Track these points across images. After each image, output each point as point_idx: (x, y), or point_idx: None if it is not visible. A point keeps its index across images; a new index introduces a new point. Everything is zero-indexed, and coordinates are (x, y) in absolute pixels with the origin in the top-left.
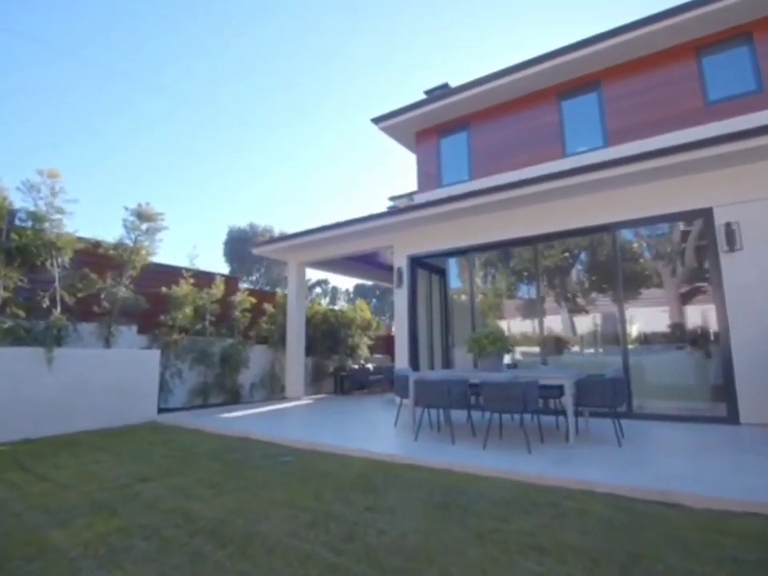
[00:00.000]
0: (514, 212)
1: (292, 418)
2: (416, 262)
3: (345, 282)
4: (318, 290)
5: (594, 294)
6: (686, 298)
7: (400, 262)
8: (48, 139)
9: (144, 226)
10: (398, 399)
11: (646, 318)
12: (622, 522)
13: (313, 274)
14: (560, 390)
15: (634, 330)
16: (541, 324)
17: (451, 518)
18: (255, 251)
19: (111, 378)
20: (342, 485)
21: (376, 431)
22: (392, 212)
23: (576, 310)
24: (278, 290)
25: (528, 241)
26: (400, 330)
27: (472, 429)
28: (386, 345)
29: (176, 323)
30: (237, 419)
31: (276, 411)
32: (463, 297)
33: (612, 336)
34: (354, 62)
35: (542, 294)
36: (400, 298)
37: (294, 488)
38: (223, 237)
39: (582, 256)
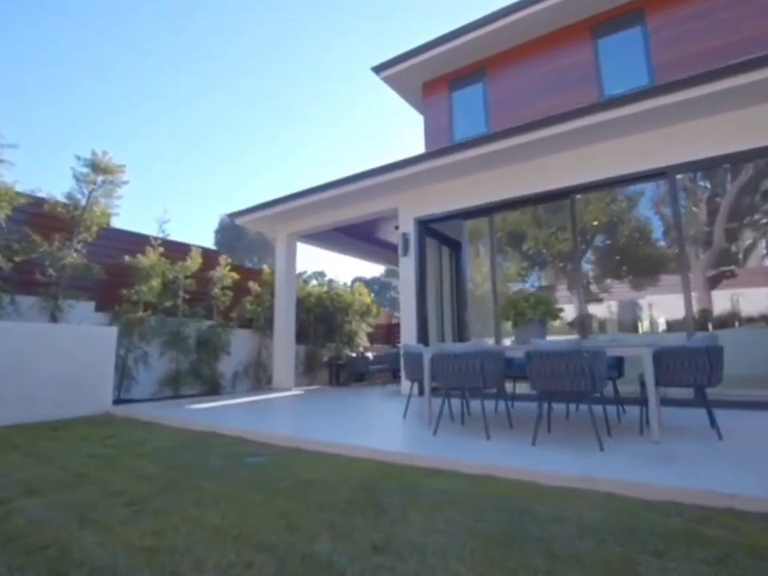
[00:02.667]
0: (544, 160)
1: (276, 409)
2: (424, 226)
3: (342, 276)
4: (314, 282)
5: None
6: None
7: (406, 226)
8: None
9: (99, 179)
10: (404, 389)
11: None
12: None
13: (308, 264)
14: (618, 368)
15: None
16: (580, 298)
17: (528, 567)
18: (238, 221)
19: (55, 361)
20: (332, 502)
21: (381, 424)
22: (395, 164)
23: (629, 281)
24: (265, 266)
25: (563, 194)
26: (406, 305)
27: (509, 419)
28: (386, 334)
29: (141, 298)
30: (207, 411)
31: (258, 402)
32: (482, 270)
33: (681, 312)
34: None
35: (580, 262)
36: (406, 268)
37: (258, 508)
38: (214, 226)
39: (632, 213)
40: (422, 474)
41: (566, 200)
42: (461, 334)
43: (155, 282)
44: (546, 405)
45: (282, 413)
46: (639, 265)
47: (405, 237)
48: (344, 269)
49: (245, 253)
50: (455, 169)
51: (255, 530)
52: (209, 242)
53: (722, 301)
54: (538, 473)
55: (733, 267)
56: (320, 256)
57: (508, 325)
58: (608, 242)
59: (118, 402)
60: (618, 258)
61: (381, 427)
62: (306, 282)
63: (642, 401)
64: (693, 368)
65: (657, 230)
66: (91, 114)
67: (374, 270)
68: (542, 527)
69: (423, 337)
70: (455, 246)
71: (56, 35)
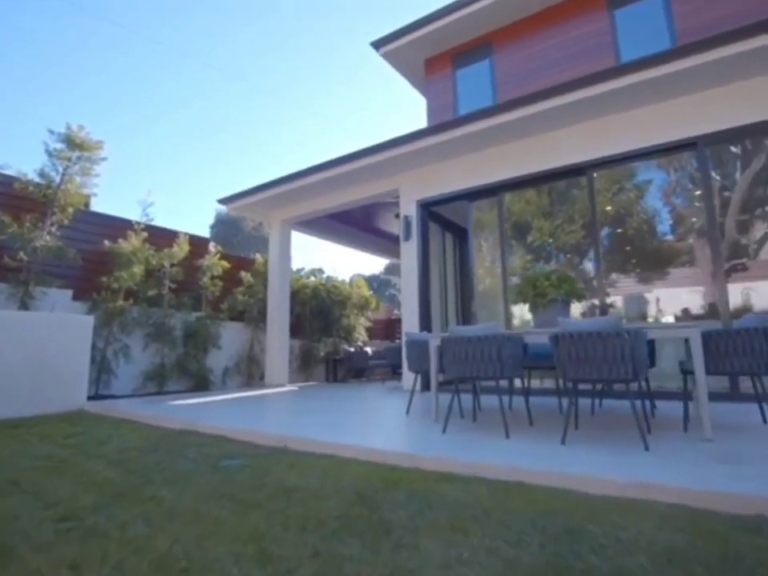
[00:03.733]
0: (557, 134)
1: (266, 406)
2: (427, 210)
3: (340, 273)
4: (312, 279)
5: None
6: None
7: (407, 209)
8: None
9: (75, 155)
10: (405, 384)
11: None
12: None
13: (305, 262)
14: (651, 356)
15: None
16: (600, 284)
17: None
18: (230, 207)
19: (23, 352)
20: (320, 518)
21: (382, 422)
22: (396, 140)
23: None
24: (259, 255)
25: (579, 170)
26: (408, 294)
27: (528, 415)
28: (385, 329)
29: (122, 286)
30: (190, 407)
31: (248, 398)
32: (487, 260)
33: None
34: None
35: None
36: (408, 253)
37: (223, 526)
38: (210, 220)
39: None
40: (433, 480)
41: (582, 177)
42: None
43: (137, 269)
44: (574, 398)
45: (271, 410)
46: (648, 257)
47: (406, 220)
48: (342, 266)
49: (241, 248)
50: (460, 145)
51: (212, 560)
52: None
53: (733, 294)
54: (578, 478)
55: (744, 260)
56: (317, 254)
57: (520, 313)
58: (618, 230)
59: (95, 397)
60: (628, 248)
61: (381, 425)
62: (303, 278)
63: (685, 393)
64: (747, 353)
65: (665, 222)
66: (93, 111)
67: (372, 267)
68: (603, 555)
69: (426, 327)
70: (460, 233)
71: (64, 24)
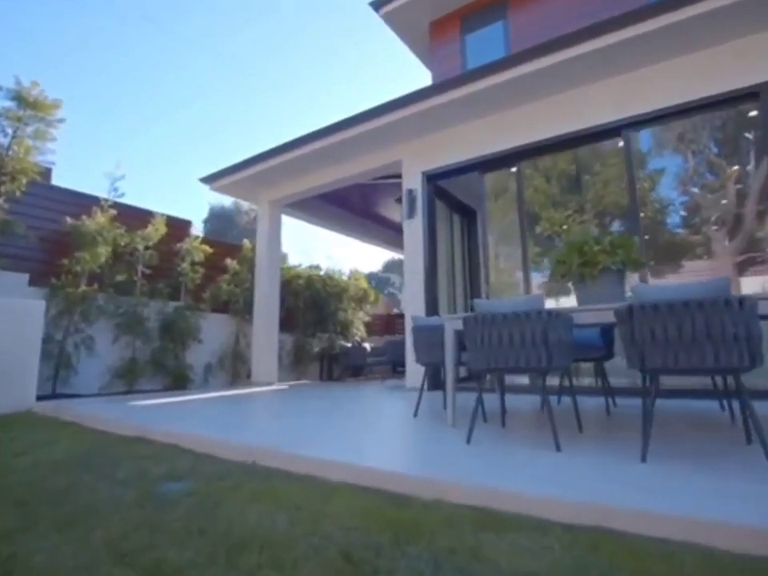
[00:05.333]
0: (585, 90)
1: (246, 407)
2: (433, 184)
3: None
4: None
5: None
6: None
7: (411, 182)
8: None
9: (27, 115)
10: (409, 382)
11: None
12: None
13: (302, 260)
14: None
15: None
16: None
17: None
18: (213, 187)
19: None
20: None
21: (384, 427)
22: (396, 102)
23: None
24: (246, 241)
25: (611, 131)
26: (412, 277)
27: (577, 419)
28: (384, 325)
29: (84, 269)
30: (155, 408)
31: (227, 398)
32: (501, 242)
33: None
34: None
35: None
36: (411, 232)
37: None
38: (204, 215)
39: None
40: (468, 525)
41: (616, 138)
42: None
43: (103, 250)
44: (653, 397)
45: (250, 412)
46: (660, 250)
47: (410, 195)
48: (339, 263)
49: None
50: (470, 106)
51: None
52: (197, 231)
53: (751, 289)
54: (710, 524)
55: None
56: (316, 254)
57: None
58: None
59: (52, 396)
60: (646, 236)
61: (383, 433)
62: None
63: None
64: None
65: (678, 213)
66: (93, 111)
67: (371, 264)
68: None
69: (433, 315)
70: (468, 215)
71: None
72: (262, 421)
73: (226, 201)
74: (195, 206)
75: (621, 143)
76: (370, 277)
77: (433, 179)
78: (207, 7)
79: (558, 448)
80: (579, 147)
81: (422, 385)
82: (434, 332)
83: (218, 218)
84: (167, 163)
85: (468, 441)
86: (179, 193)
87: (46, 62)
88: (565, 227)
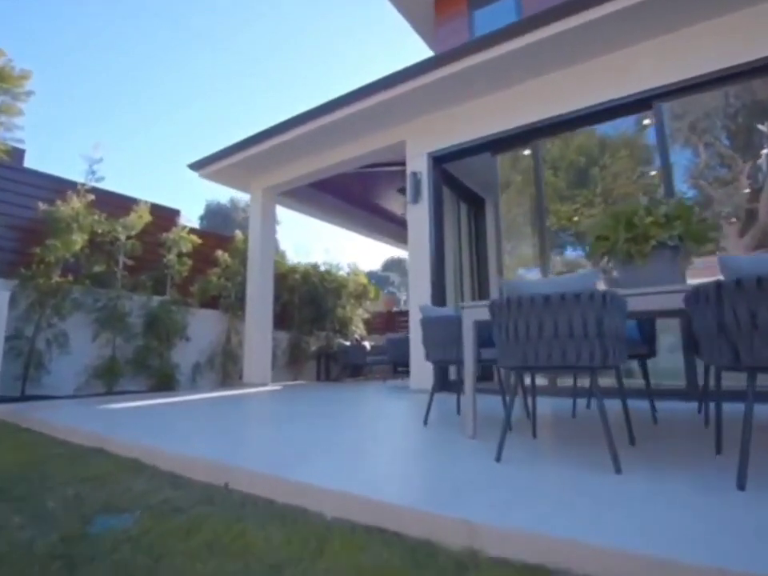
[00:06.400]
0: (615, 56)
1: (231, 411)
2: (440, 168)
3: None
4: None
5: None
6: None
7: (416, 164)
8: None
9: None
10: (413, 383)
11: None
12: None
13: (299, 257)
14: None
15: None
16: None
17: None
18: (201, 173)
19: None
20: None
21: (389, 438)
22: (398, 74)
23: None
24: (238, 231)
25: (642, 102)
26: (417, 266)
27: (628, 429)
28: (385, 324)
29: (58, 258)
30: (123, 413)
31: (214, 401)
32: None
33: None
34: None
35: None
36: (416, 217)
37: None
38: (200, 212)
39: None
40: None
41: (648, 111)
42: None
43: (78, 237)
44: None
45: (234, 418)
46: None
47: (415, 178)
48: (338, 258)
49: None
50: (482, 76)
51: None
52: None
53: None
54: None
55: None
56: (314, 252)
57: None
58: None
59: (22, 398)
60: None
61: (390, 446)
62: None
63: None
64: None
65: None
66: (93, 111)
67: (370, 263)
68: None
69: (440, 306)
70: (476, 204)
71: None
72: (245, 429)
73: (223, 197)
74: (195, 205)
75: (646, 121)
76: (370, 275)
77: (439, 161)
78: (207, 7)
79: (618, 469)
80: (602, 123)
81: (434, 387)
82: (448, 324)
83: (214, 215)
84: (167, 163)
85: (498, 459)
86: (178, 193)
87: (46, 62)
88: (576, 219)
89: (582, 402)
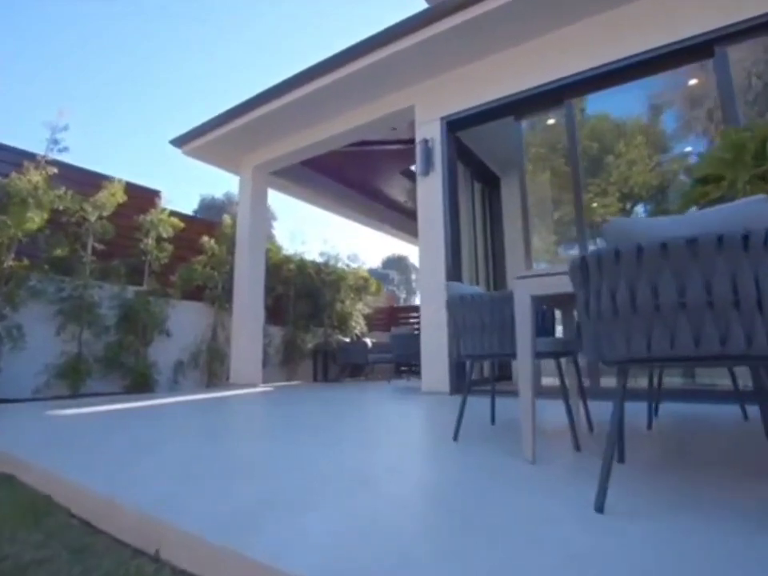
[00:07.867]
0: None
1: (202, 421)
2: (454, 135)
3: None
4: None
5: None
6: None
7: (427, 130)
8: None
9: None
10: (425, 385)
11: None
12: None
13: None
14: None
15: None
16: None
17: None
18: (185, 150)
19: None
20: None
21: (416, 466)
22: (402, 24)
23: None
24: (227, 216)
25: (700, 47)
26: (429, 248)
27: None
28: (387, 320)
29: (12, 238)
30: (72, 420)
31: (188, 404)
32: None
33: None
34: None
35: None
36: (428, 191)
37: None
38: (194, 206)
39: None
40: None
41: (707, 61)
42: None
43: (35, 215)
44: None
45: (203, 429)
46: None
47: (426, 146)
48: (337, 249)
49: None
50: (504, 23)
51: None
52: None
53: None
54: None
55: None
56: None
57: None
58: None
59: None
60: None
61: (417, 479)
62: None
63: None
64: None
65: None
66: (93, 111)
67: (370, 261)
68: None
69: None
70: (490, 183)
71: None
72: (208, 449)
73: (217, 192)
74: (190, 202)
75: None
76: (370, 273)
77: (454, 127)
78: (207, 7)
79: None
80: (652, 75)
81: (467, 388)
82: (493, 303)
83: (208, 209)
84: (166, 163)
85: (600, 509)
86: (178, 193)
87: (46, 62)
88: (594, 204)
89: (727, 410)
